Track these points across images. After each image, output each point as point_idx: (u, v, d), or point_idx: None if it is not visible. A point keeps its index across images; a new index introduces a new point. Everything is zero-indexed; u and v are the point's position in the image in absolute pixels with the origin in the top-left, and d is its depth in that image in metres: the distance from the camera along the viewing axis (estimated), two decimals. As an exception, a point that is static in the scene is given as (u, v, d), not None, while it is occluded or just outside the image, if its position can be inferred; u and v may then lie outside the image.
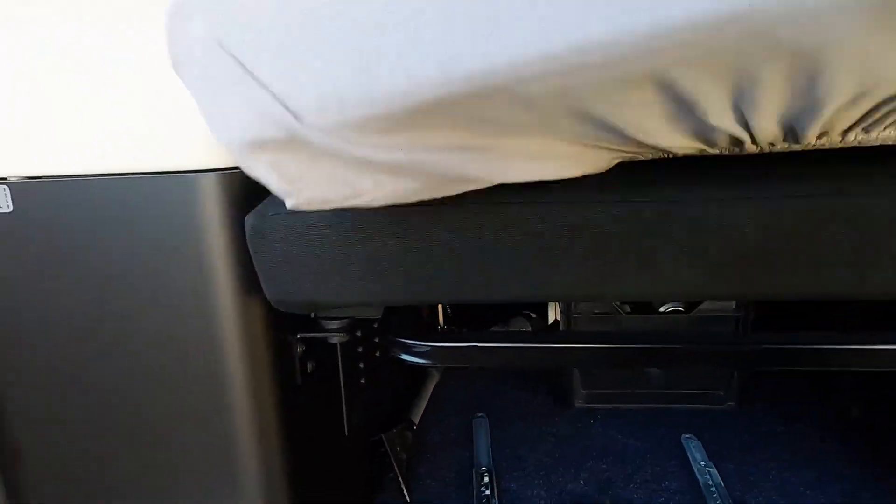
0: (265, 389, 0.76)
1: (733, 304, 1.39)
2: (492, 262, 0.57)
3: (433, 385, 1.63)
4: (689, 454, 1.29)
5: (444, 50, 0.37)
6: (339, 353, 0.97)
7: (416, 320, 0.73)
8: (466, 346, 0.66)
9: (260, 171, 0.48)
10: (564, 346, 0.65)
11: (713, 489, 1.17)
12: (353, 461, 1.10)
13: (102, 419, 0.78)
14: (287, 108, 0.41)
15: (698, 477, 1.21)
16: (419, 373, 1.65)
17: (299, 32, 0.39)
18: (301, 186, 0.48)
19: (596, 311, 1.44)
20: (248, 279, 0.71)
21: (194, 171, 0.68)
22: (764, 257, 0.54)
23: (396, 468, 1.21)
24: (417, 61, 0.37)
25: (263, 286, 0.65)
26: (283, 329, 0.78)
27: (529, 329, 1.86)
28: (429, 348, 0.66)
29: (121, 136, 0.69)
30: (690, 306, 1.42)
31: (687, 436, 1.35)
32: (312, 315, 0.82)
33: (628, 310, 1.46)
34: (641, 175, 0.58)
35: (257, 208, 0.65)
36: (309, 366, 0.84)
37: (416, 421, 1.42)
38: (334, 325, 0.81)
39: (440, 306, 2.03)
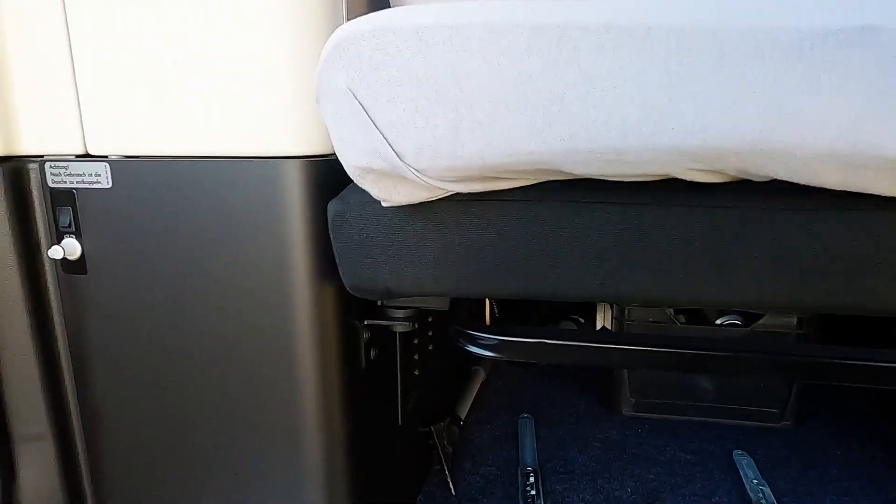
0: (333, 371, 0.79)
1: (794, 321, 1.36)
2: (566, 259, 0.58)
3: (480, 383, 1.64)
4: (740, 470, 1.26)
5: (514, 132, 0.51)
6: (398, 343, 1.00)
7: (481, 315, 0.74)
8: (533, 341, 0.67)
9: (365, 183, 0.61)
10: (627, 347, 0.65)
11: (766, 508, 1.14)
12: (405, 450, 1.12)
13: (181, 388, 0.82)
14: (393, 150, 0.55)
15: (750, 494, 1.18)
16: (466, 370, 1.67)
17: (410, 96, 0.53)
18: (394, 196, 0.61)
19: (650, 320, 1.43)
20: (325, 265, 0.74)
21: (279, 157, 0.72)
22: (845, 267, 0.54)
23: (444, 461, 1.23)
24: (493, 136, 0.52)
25: (341, 271, 0.68)
26: (352, 315, 0.80)
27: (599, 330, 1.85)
28: (496, 341, 0.67)
29: (214, 121, 0.73)
30: (749, 320, 1.39)
31: (739, 452, 1.33)
32: (379, 303, 0.85)
33: (683, 320, 1.44)
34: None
35: (340, 195, 0.67)
36: (372, 352, 0.86)
37: (463, 417, 1.43)
38: (399, 314, 0.84)
39: (487, 307, 2.04)
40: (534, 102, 0.50)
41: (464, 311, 0.77)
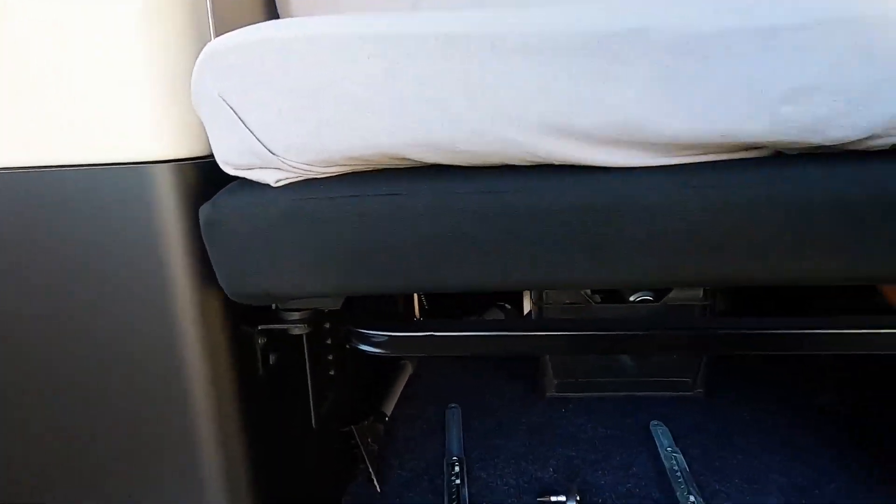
0: (225, 381, 0.76)
1: (700, 293, 1.42)
2: (443, 251, 0.57)
3: (407, 377, 1.63)
4: (656, 440, 1.31)
5: (367, 129, 0.56)
6: (305, 345, 0.97)
7: (376, 311, 0.73)
8: (423, 335, 0.67)
9: (248, 174, 0.65)
10: (520, 334, 0.65)
11: (678, 474, 1.19)
12: (323, 452, 1.10)
13: (63, 408, 0.77)
14: (266, 148, 0.59)
15: (664, 462, 1.23)
16: (392, 365, 1.66)
17: (275, 101, 0.57)
18: (275, 179, 0.63)
19: (567, 301, 1.46)
20: (206, 270, 0.71)
21: (147, 161, 0.68)
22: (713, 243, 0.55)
23: (367, 459, 1.21)
24: (350, 133, 0.57)
25: (219, 277, 0.65)
26: (243, 321, 0.78)
27: (502, 319, 1.87)
28: (386, 338, 0.66)
29: (75, 127, 0.68)
30: (659, 295, 1.44)
31: (655, 422, 1.38)
32: (274, 306, 0.82)
33: (598, 299, 1.48)
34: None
35: (212, 199, 0.64)
36: (271, 357, 0.84)
37: (388, 412, 1.43)
38: (295, 316, 0.81)
39: (416, 298, 2.04)
40: (379, 103, 0.54)
41: (367, 307, 0.75)
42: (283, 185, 0.61)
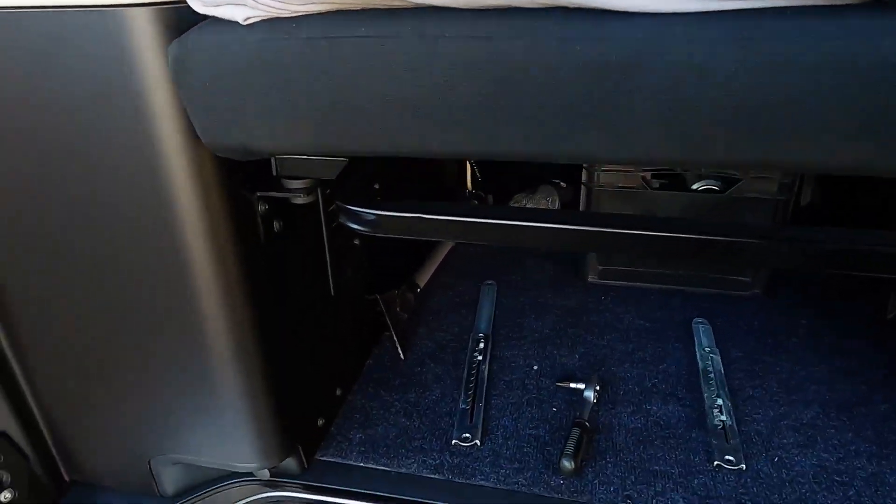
0: (226, 246, 0.73)
1: (775, 187, 1.25)
2: (425, 108, 0.49)
3: (447, 249, 1.60)
4: (696, 338, 1.24)
5: None
6: (321, 213, 0.94)
7: (367, 186, 0.67)
8: (411, 216, 0.60)
9: (216, 11, 0.57)
10: (516, 223, 0.57)
11: (711, 375, 1.12)
12: (344, 319, 1.11)
13: (70, 278, 0.78)
14: None
15: (699, 362, 1.16)
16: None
17: None
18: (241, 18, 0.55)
19: (620, 185, 1.33)
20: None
21: (123, 4, 0.60)
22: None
23: (391, 327, 1.22)
24: None
25: (195, 125, 0.60)
26: (241, 185, 0.73)
27: (556, 194, 1.77)
28: (373, 216, 0.60)
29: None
30: (726, 185, 1.28)
31: (699, 320, 1.29)
32: (274, 173, 0.77)
33: (656, 185, 1.34)
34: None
35: (180, 37, 0.57)
36: (276, 225, 0.81)
37: (421, 284, 1.41)
38: (297, 184, 0.76)
39: (468, 169, 1.95)
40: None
41: (361, 182, 0.68)
42: (252, 23, 0.53)
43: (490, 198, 1.87)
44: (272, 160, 0.77)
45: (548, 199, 1.72)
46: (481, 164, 1.96)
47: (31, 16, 0.63)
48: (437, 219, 0.58)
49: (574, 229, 0.58)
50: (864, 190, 1.42)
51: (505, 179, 2.05)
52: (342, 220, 0.63)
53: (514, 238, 0.59)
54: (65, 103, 0.66)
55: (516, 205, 1.70)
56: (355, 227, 0.61)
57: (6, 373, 0.89)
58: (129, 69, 0.63)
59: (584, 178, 1.37)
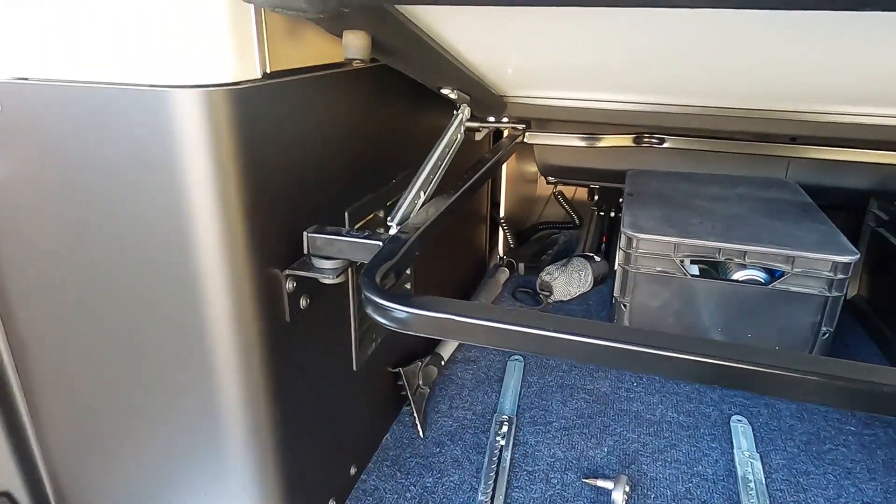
0: (248, 322, 0.72)
1: (828, 266, 1.18)
2: None
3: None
4: (734, 439, 1.16)
5: None
6: (350, 289, 0.92)
7: (399, 274, 0.64)
8: (443, 317, 0.57)
9: None
10: (550, 335, 0.54)
11: (751, 483, 1.05)
12: (365, 393, 1.08)
13: (92, 342, 0.78)
14: None
15: (738, 467, 1.09)
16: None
17: None
18: None
19: (659, 270, 1.29)
20: (233, 210, 0.66)
21: (169, 86, 0.61)
22: None
23: (412, 402, 1.18)
24: None
25: None
26: (270, 262, 0.72)
27: (589, 268, 1.73)
28: (404, 314, 0.58)
29: (104, 44, 0.63)
30: (771, 277, 1.23)
31: (737, 418, 1.22)
32: (306, 251, 0.76)
33: (695, 272, 1.29)
34: None
35: None
36: (303, 302, 0.79)
37: (446, 356, 1.38)
38: (328, 264, 0.75)
39: (501, 236, 1.93)
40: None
41: (392, 269, 0.66)
42: None
43: (521, 266, 1.85)
44: (304, 237, 0.76)
45: (580, 273, 1.69)
46: (514, 232, 1.94)
47: (81, 90, 0.64)
48: (468, 322, 0.56)
49: (602, 345, 0.55)
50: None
51: (538, 249, 2.02)
52: (369, 312, 0.61)
53: (548, 348, 0.55)
54: (105, 173, 0.67)
55: (548, 276, 1.66)
56: (384, 322, 0.59)
57: (16, 431, 0.88)
58: (169, 145, 0.63)
59: (620, 258, 1.34)
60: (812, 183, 1.61)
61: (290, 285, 0.75)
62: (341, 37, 0.69)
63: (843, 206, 1.62)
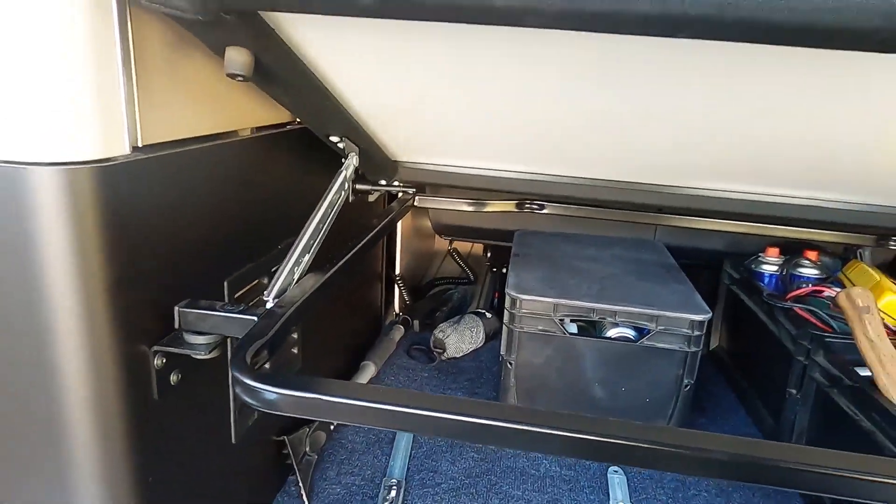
0: (109, 401, 0.68)
1: (687, 324, 1.30)
2: None
3: (368, 381, 1.56)
4: (610, 490, 1.23)
5: None
6: (229, 364, 0.89)
7: (274, 350, 0.64)
8: (314, 397, 0.58)
9: None
10: (433, 414, 0.56)
11: (624, 535, 1.10)
12: (246, 465, 1.03)
13: None
14: None
15: (613, 519, 1.15)
16: (355, 366, 1.59)
17: None
18: None
19: (539, 328, 1.36)
20: (95, 288, 0.63)
21: (26, 163, 0.59)
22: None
23: (297, 471, 1.15)
24: None
25: None
26: (136, 339, 0.70)
27: (481, 325, 1.78)
28: (274, 395, 0.58)
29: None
30: (640, 334, 1.34)
31: (614, 469, 1.29)
32: (177, 326, 0.74)
33: (574, 330, 1.38)
34: None
35: None
36: (173, 378, 0.76)
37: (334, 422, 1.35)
38: (201, 339, 0.73)
39: (397, 293, 1.95)
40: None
41: (263, 346, 0.66)
42: None
43: (416, 323, 1.87)
44: (175, 311, 0.74)
45: (472, 330, 1.74)
46: (411, 288, 1.98)
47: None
48: (340, 402, 0.56)
49: (474, 423, 0.58)
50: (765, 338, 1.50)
51: (434, 305, 2.06)
52: (238, 392, 0.60)
53: (419, 427, 0.57)
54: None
55: (441, 334, 1.70)
56: (253, 403, 0.58)
57: None
58: (24, 223, 0.60)
59: (506, 318, 1.40)
60: (677, 244, 1.78)
61: (158, 361, 0.72)
62: (223, 56, 0.68)
63: (703, 264, 1.81)
